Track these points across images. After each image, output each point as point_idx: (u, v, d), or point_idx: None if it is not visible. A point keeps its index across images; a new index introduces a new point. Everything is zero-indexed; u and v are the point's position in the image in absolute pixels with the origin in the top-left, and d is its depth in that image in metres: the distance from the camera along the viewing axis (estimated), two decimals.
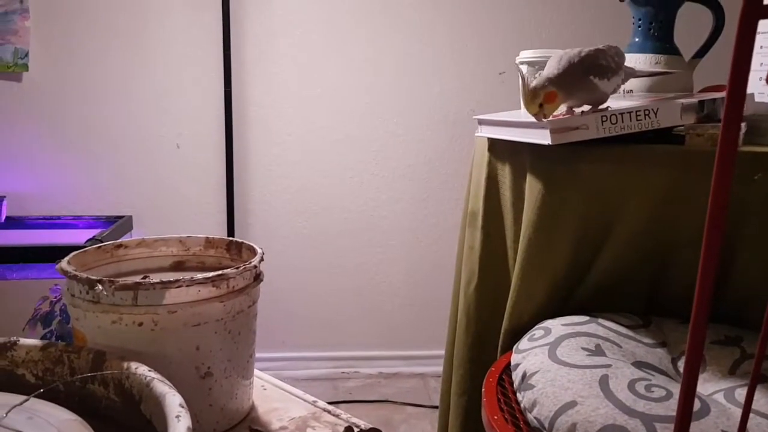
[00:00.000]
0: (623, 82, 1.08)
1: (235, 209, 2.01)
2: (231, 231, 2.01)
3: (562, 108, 1.07)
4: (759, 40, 1.07)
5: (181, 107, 1.98)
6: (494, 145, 1.24)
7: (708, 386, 0.90)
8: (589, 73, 1.01)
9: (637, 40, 1.34)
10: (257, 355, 2.12)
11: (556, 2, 2.03)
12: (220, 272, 0.86)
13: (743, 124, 1.02)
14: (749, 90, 1.10)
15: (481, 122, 1.24)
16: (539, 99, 0.97)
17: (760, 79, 1.07)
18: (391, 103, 2.03)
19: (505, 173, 1.20)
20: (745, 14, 0.56)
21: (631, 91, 1.32)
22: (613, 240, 1.06)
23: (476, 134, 1.27)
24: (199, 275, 0.84)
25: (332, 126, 2.03)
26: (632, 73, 1.10)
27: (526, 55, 1.34)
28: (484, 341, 1.25)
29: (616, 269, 1.08)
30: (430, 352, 2.12)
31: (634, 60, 1.31)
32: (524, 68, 1.33)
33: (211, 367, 0.87)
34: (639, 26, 1.34)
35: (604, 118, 1.00)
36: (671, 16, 1.32)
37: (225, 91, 1.96)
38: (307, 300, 2.10)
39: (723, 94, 1.10)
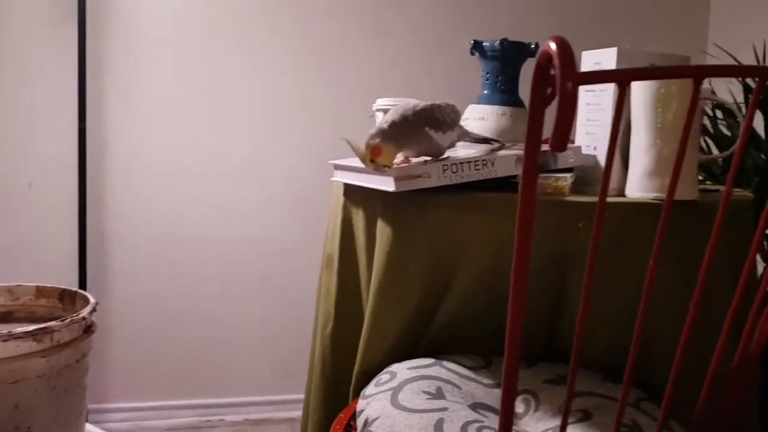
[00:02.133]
0: (459, 138, 1.13)
1: (89, 252, 1.91)
2: (83, 276, 1.91)
3: (400, 157, 1.10)
4: (586, 97, 1.16)
5: (34, 145, 1.87)
6: (349, 189, 1.26)
7: (539, 425, 0.94)
8: (425, 125, 1.05)
9: (486, 92, 1.42)
10: (114, 405, 2.01)
11: (424, 50, 2.11)
12: (42, 326, 0.81)
13: (571, 174, 1.09)
14: (577, 143, 1.19)
15: (337, 167, 1.26)
16: (368, 154, 1.00)
17: (587, 133, 1.16)
18: (262, 142, 2.03)
19: (358, 217, 1.22)
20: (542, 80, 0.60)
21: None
22: (458, 283, 1.10)
23: (331, 179, 1.28)
24: (18, 329, 0.79)
25: (200, 165, 1.99)
26: (465, 134, 1.16)
27: (381, 102, 1.38)
28: (340, 386, 1.25)
29: (463, 311, 1.12)
30: (298, 396, 2.09)
31: (483, 111, 1.38)
32: (380, 115, 1.37)
33: (32, 427, 0.81)
34: (487, 79, 1.41)
35: (445, 167, 1.04)
36: (516, 71, 1.41)
37: (79, 127, 1.87)
38: (169, 344, 2.02)
39: None
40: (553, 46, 0.55)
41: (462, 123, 1.43)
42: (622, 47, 1.09)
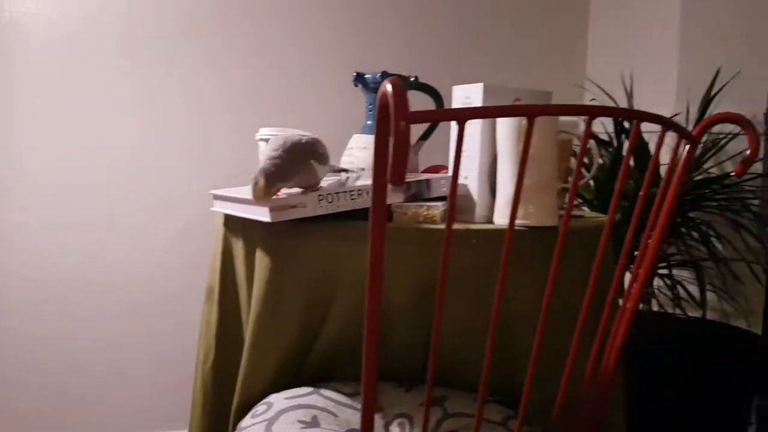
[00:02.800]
0: (329, 170, 1.16)
1: None
2: None
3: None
4: (457, 129, 1.21)
5: None
6: (228, 220, 1.25)
7: None
8: (311, 158, 1.07)
9: (369, 122, 1.45)
10: None
11: (305, 81, 2.14)
12: None
13: (443, 203, 1.14)
14: (451, 172, 1.24)
15: (216, 197, 1.25)
16: (262, 190, 1.01)
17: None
18: (144, 174, 1.98)
19: (238, 248, 1.22)
20: (385, 118, 0.63)
21: (364, 168, 1.42)
22: (336, 311, 1.12)
23: (211, 209, 1.27)
24: None
25: (79, 194, 1.93)
26: (332, 167, 1.19)
27: (264, 132, 1.39)
28: (221, 419, 1.23)
29: (342, 339, 1.13)
30: None
31: (367, 140, 1.41)
32: (262, 144, 1.38)
33: None
34: (370, 110, 1.45)
35: (321, 197, 1.06)
36: None
37: None
38: (53, 381, 1.93)
39: (432, 175, 1.22)
40: (388, 87, 0.58)
41: (347, 152, 1.47)
42: (488, 83, 1.15)
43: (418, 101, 1.99)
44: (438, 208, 1.10)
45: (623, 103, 2.17)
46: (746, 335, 1.72)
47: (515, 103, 1.19)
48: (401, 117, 0.56)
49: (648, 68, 2.20)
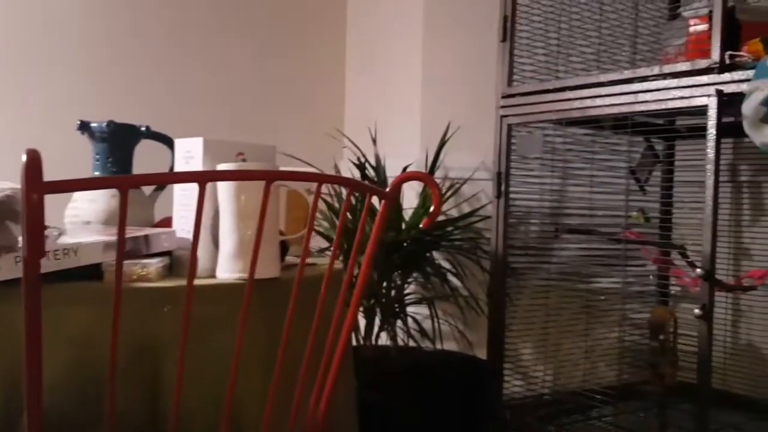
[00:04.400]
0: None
1: None
2: None
3: None
4: (179, 185, 1.20)
5: None
6: None
7: None
8: (6, 218, 0.99)
9: (96, 173, 1.39)
10: None
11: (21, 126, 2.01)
12: None
13: (161, 259, 1.11)
14: (175, 226, 1.22)
15: None
16: None
17: (182, 217, 1.20)
18: None
19: None
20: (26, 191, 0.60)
21: (89, 222, 1.35)
22: (45, 378, 1.03)
23: None
24: None
25: None
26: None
27: None
28: None
29: (55, 406, 1.05)
30: None
31: (93, 192, 1.34)
32: None
33: None
34: (97, 160, 1.39)
35: (19, 259, 0.99)
36: (128, 152, 1.41)
37: None
38: None
39: (151, 230, 1.19)
40: (23, 158, 0.56)
41: (71, 205, 1.38)
42: (209, 137, 1.16)
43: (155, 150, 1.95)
44: (153, 266, 1.07)
45: (370, 150, 2.30)
46: (474, 361, 1.90)
47: (238, 158, 1.21)
48: (34, 189, 0.54)
49: (397, 121, 2.37)
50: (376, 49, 2.50)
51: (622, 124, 1.70)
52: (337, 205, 2.00)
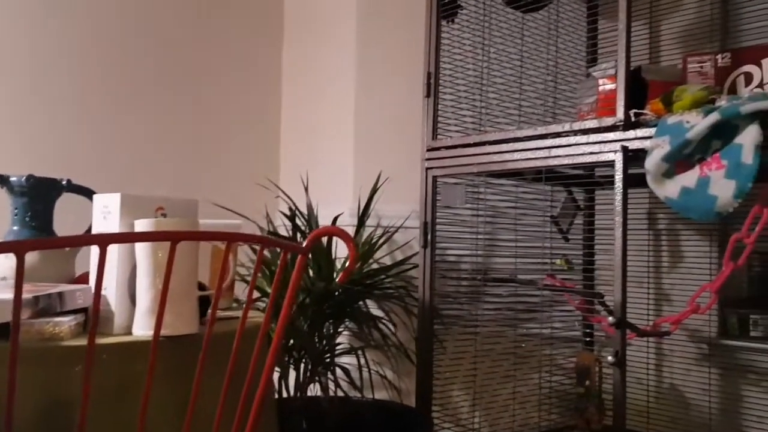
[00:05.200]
0: None
1: None
2: None
3: None
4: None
5: None
6: None
7: None
8: None
9: (15, 227, 1.37)
10: None
11: None
12: None
13: (75, 317, 1.10)
14: (91, 283, 1.21)
15: None
16: None
17: None
18: None
19: None
20: None
21: (5, 278, 1.32)
22: None
23: None
24: None
25: None
26: None
27: None
28: None
29: None
30: None
31: None
32: None
33: None
34: (16, 214, 1.37)
35: None
36: (48, 206, 1.40)
37: None
38: None
39: (66, 286, 1.18)
40: None
41: None
42: (126, 193, 1.17)
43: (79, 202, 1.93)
44: (65, 324, 1.06)
45: (302, 199, 2.32)
46: (404, 409, 1.91)
47: (157, 213, 1.22)
48: None
49: (331, 170, 2.41)
50: (310, 101, 2.55)
51: (542, 175, 1.78)
52: (269, 255, 2.01)
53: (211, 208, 2.28)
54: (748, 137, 1.26)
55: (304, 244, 1.06)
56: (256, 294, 2.01)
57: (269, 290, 2.01)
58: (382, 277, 2.06)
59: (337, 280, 1.21)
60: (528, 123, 2.05)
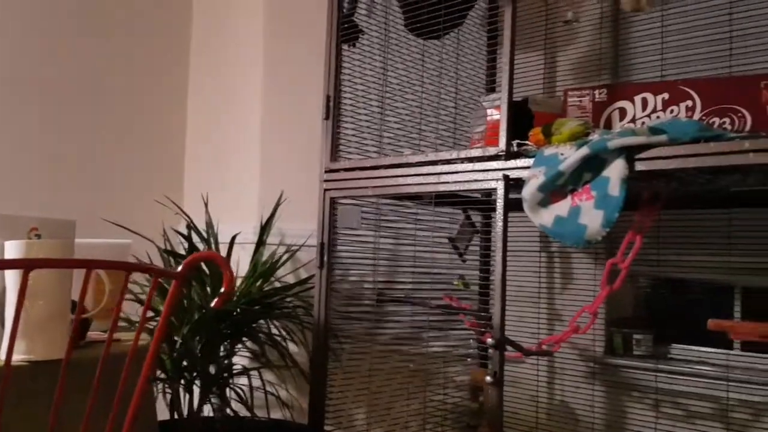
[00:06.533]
0: None
1: None
2: None
3: None
4: None
5: None
6: None
7: None
8: None
9: None
10: None
11: None
12: None
13: None
14: None
15: None
16: None
17: None
18: None
19: None
20: None
21: None
22: None
23: None
24: None
25: None
26: None
27: None
28: None
29: None
30: None
31: None
32: None
33: None
34: None
35: None
36: None
37: None
38: None
39: None
40: None
41: None
42: (2, 212, 1.14)
43: None
44: None
45: (202, 218, 2.30)
46: (297, 427, 1.92)
47: (31, 233, 1.19)
48: None
49: (236, 189, 2.40)
50: (217, 120, 2.54)
51: (433, 200, 1.84)
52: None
53: (109, 227, 2.23)
54: (615, 171, 1.35)
55: (179, 269, 1.07)
56: (149, 313, 1.98)
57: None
58: (282, 296, 2.07)
59: (212, 305, 1.21)
60: (430, 148, 2.11)
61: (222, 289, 1.09)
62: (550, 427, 2.20)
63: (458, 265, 2.22)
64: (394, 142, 2.03)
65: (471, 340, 2.26)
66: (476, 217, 2.28)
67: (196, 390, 1.82)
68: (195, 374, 1.81)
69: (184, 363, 1.84)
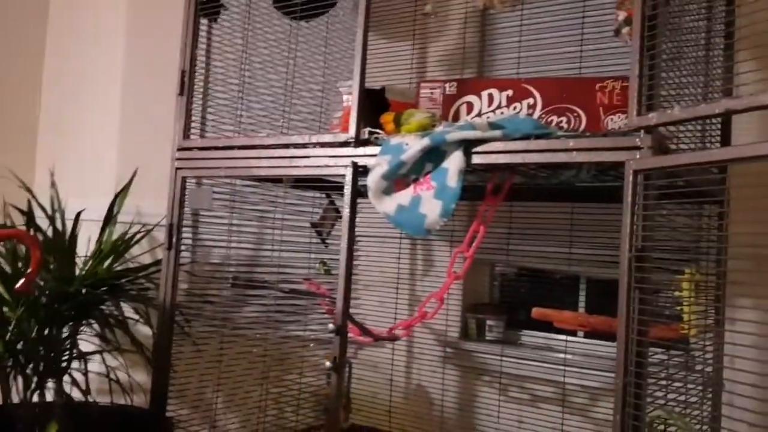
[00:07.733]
0: None
1: None
2: None
3: None
4: None
5: None
6: None
7: None
8: None
9: None
10: None
11: None
12: None
13: None
14: None
15: None
16: None
17: None
18: None
19: None
20: None
21: None
22: None
23: None
24: None
25: None
26: None
27: None
28: None
29: None
30: None
31: None
32: None
33: None
34: None
35: None
36: None
37: None
38: None
39: None
40: None
41: None
42: None
43: None
44: None
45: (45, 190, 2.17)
46: (139, 411, 1.88)
47: None
48: None
49: (95, 167, 2.29)
50: (74, 96, 2.39)
51: (284, 184, 1.82)
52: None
53: None
54: (453, 162, 1.38)
55: None
56: None
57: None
58: (132, 277, 1.99)
59: (16, 287, 1.12)
60: (294, 132, 2.09)
61: (29, 270, 1.03)
62: (405, 409, 2.25)
63: (321, 250, 2.22)
64: (257, 124, 1.99)
65: (330, 325, 2.27)
66: (341, 202, 2.29)
67: (24, 376, 1.72)
68: (28, 358, 1.71)
69: (19, 346, 1.74)
